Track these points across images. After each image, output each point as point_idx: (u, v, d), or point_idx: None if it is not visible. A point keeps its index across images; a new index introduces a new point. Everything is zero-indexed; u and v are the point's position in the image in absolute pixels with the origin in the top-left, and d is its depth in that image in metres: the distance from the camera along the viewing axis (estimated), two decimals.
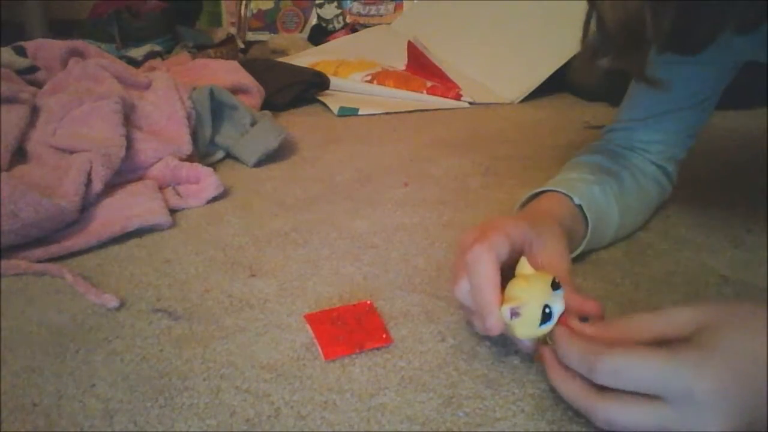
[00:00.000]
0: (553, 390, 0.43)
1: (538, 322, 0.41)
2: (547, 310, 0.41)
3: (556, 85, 1.33)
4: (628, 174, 0.64)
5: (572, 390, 0.39)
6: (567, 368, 0.39)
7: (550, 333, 0.41)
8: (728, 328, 0.36)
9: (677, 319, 0.38)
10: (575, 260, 0.61)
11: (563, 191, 0.57)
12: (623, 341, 0.39)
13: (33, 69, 1.07)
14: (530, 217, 0.52)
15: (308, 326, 0.51)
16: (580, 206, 0.57)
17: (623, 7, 0.43)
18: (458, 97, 1.33)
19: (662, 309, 0.39)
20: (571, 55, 1.28)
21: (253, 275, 0.60)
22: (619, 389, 0.36)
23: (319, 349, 0.48)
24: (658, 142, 0.66)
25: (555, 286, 0.42)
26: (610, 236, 0.63)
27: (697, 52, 0.50)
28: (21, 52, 1.11)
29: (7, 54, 1.09)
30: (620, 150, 0.67)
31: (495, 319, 0.42)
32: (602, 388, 0.37)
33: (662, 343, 0.37)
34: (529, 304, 0.41)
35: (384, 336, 0.49)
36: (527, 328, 0.42)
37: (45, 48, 1.11)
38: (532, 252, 0.47)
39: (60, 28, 1.90)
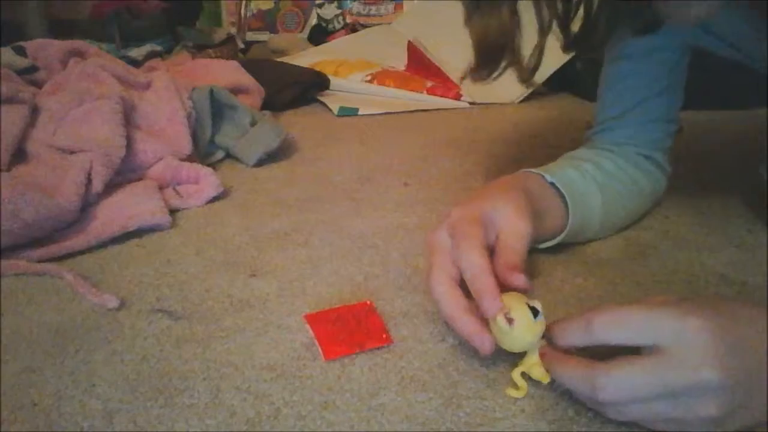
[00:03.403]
0: (553, 390, 0.43)
1: (532, 316, 0.42)
2: (531, 305, 0.42)
3: (556, 85, 1.33)
4: (611, 163, 0.65)
5: (571, 371, 0.39)
6: (563, 353, 0.40)
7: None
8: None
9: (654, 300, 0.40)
10: (573, 258, 0.62)
11: (536, 171, 0.59)
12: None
13: (33, 69, 1.07)
14: (490, 192, 0.52)
15: (308, 326, 0.51)
16: (553, 184, 0.58)
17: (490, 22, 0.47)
18: (458, 97, 1.33)
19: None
20: (571, 55, 1.28)
21: (253, 275, 0.60)
22: (614, 344, 0.37)
23: (319, 349, 0.48)
24: (641, 133, 0.67)
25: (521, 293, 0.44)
26: (596, 220, 0.63)
27: (595, 53, 0.55)
28: (21, 52, 1.11)
29: (7, 54, 1.09)
30: (607, 146, 0.68)
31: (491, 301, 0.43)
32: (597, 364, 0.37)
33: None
34: (516, 308, 0.42)
35: (384, 336, 0.49)
36: (527, 326, 0.42)
37: (45, 48, 1.11)
38: (495, 226, 0.49)
39: (60, 28, 1.90)
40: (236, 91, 1.10)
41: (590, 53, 0.57)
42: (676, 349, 0.35)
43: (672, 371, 0.35)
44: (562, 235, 0.59)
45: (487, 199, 0.50)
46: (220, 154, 0.95)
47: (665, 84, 0.65)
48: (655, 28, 0.53)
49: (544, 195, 0.56)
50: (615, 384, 0.36)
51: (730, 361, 0.34)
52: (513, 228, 0.48)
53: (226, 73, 1.17)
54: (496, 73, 0.51)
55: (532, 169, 0.59)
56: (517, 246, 0.47)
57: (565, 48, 0.53)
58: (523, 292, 0.44)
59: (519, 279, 0.44)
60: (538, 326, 0.42)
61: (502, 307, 0.42)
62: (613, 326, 0.37)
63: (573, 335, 0.39)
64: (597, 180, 0.62)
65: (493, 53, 0.49)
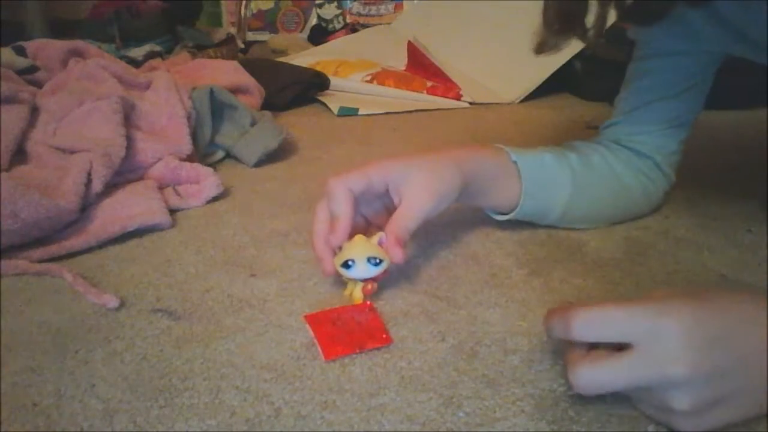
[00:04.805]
0: (553, 390, 0.43)
1: (345, 270, 0.52)
2: (350, 263, 0.52)
3: (556, 85, 1.33)
4: (599, 156, 0.66)
5: (567, 359, 0.40)
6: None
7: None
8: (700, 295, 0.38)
9: (653, 295, 0.40)
10: (573, 258, 0.62)
11: (505, 148, 0.61)
12: None
13: (33, 69, 1.07)
14: (421, 155, 0.57)
15: (308, 326, 0.51)
16: (516, 163, 0.61)
17: None
18: (458, 97, 1.33)
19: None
20: (571, 55, 1.28)
21: (253, 275, 0.60)
22: (594, 342, 0.38)
23: (319, 349, 0.48)
24: (643, 133, 0.67)
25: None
26: (560, 206, 0.64)
27: (653, 22, 0.55)
28: (21, 52, 1.11)
29: (7, 54, 1.09)
30: (605, 142, 0.68)
31: (343, 220, 0.53)
32: (572, 358, 0.39)
33: None
34: (347, 251, 0.52)
35: (384, 336, 0.49)
36: (337, 261, 0.53)
37: (45, 48, 1.11)
38: (397, 189, 0.55)
39: (60, 28, 1.90)
40: (236, 91, 1.10)
41: (645, 23, 0.59)
42: (648, 346, 0.36)
43: (641, 367, 0.36)
44: (514, 213, 0.62)
45: (408, 160, 0.56)
46: (220, 154, 0.95)
47: (682, 88, 0.65)
48: (704, 2, 0.54)
49: (502, 171, 0.60)
50: (585, 378, 0.37)
51: (701, 358, 0.35)
52: (413, 201, 0.54)
53: (226, 73, 1.17)
54: (562, 43, 0.54)
55: (505, 147, 0.62)
56: (407, 223, 0.53)
57: (619, 19, 0.53)
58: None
59: (397, 256, 0.52)
60: (352, 284, 0.53)
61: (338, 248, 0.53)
62: (590, 326, 0.38)
63: (554, 330, 0.40)
64: (573, 168, 0.63)
65: (567, 24, 0.52)
